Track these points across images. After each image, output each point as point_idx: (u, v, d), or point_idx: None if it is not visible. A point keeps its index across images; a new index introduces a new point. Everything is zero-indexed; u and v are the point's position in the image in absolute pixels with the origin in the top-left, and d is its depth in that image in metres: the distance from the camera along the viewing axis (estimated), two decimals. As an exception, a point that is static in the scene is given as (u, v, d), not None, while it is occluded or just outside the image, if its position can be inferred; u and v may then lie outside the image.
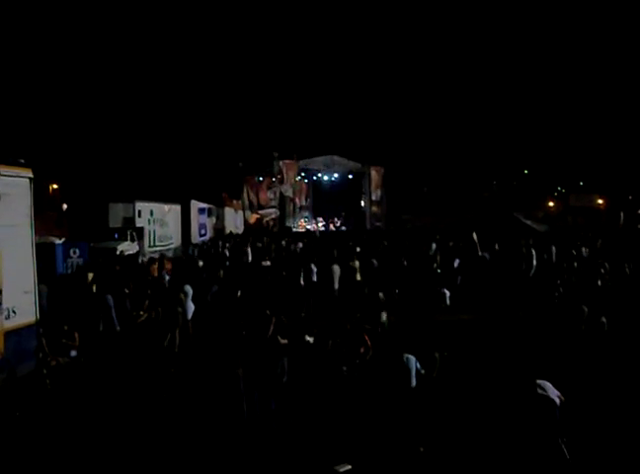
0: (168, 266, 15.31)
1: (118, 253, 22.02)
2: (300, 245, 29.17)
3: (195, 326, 13.95)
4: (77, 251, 17.64)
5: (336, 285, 18.66)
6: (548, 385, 7.94)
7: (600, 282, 17.79)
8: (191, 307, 13.90)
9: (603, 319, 13.08)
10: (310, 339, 11.46)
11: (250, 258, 24.31)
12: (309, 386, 10.33)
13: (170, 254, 28.43)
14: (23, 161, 11.02)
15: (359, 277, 19.47)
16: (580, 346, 12.39)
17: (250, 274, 20.41)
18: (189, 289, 14.00)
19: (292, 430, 8.85)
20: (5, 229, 10.11)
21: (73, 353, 11.29)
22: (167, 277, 13.79)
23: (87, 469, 7.77)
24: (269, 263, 20.89)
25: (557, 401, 7.77)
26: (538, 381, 8.00)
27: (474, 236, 21.98)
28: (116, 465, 7.85)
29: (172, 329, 13.13)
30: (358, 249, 25.09)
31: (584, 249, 22.84)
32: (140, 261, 22.26)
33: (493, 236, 30.73)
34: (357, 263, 19.86)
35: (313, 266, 19.20)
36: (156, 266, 16.15)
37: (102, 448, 8.22)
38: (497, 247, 23.88)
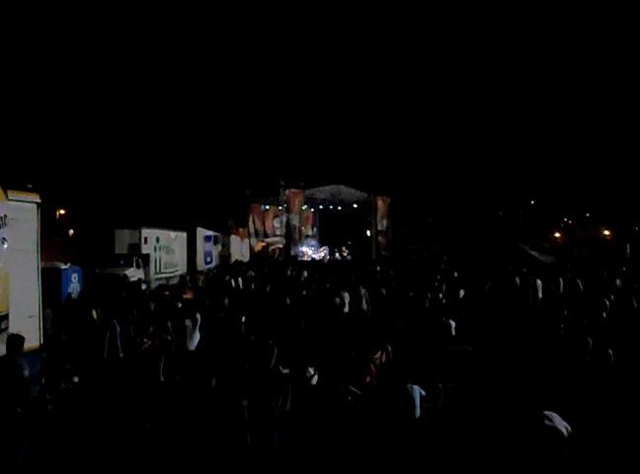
0: (189, 295, 14.97)
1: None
2: (305, 274, 29.11)
3: (198, 355, 13.83)
4: (76, 276, 17.66)
5: (343, 314, 18.62)
6: (555, 417, 7.83)
7: (605, 314, 17.66)
8: (196, 336, 13.78)
9: (610, 351, 12.96)
10: (311, 370, 11.31)
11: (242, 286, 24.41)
12: (312, 416, 10.20)
13: (175, 281, 28.45)
14: (30, 186, 11.12)
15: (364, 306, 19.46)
16: (585, 378, 12.26)
17: (252, 302, 20.30)
18: (198, 318, 13.90)
19: (294, 460, 8.72)
20: (12, 253, 10.15)
21: (76, 378, 11.27)
22: (180, 305, 13.65)
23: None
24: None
25: (564, 432, 7.66)
26: (545, 412, 7.89)
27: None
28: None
29: (166, 355, 12.94)
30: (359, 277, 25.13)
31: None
32: (144, 288, 22.23)
33: (498, 267, 30.74)
34: (363, 290, 19.97)
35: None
36: (168, 293, 15.98)
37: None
38: (502, 278, 23.78)
